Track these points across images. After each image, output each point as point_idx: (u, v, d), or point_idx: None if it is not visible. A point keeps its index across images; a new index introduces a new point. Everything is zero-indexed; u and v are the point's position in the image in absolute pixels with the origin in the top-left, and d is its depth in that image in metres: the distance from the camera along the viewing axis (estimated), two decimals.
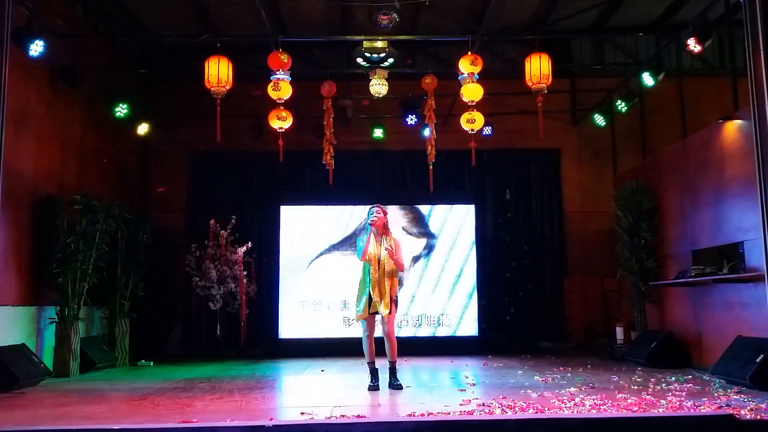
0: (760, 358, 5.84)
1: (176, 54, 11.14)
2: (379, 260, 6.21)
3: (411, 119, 10.39)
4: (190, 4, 9.73)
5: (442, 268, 10.62)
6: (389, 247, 6.20)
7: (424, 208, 10.79)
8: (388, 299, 6.15)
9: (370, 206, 6.47)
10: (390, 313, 6.16)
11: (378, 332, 6.34)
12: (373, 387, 6.22)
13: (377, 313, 6.20)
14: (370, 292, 6.18)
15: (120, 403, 5.61)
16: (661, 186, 8.90)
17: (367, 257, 6.24)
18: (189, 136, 11.20)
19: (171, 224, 11.02)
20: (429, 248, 10.68)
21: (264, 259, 10.97)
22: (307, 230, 10.64)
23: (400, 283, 9.91)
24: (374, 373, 6.31)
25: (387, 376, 6.33)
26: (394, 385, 6.22)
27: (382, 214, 6.36)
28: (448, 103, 10.33)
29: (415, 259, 10.62)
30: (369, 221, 6.33)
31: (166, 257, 10.56)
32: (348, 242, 10.50)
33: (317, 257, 10.56)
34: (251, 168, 11.49)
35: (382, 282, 6.17)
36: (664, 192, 8.82)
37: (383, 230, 6.35)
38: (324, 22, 10.33)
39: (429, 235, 10.72)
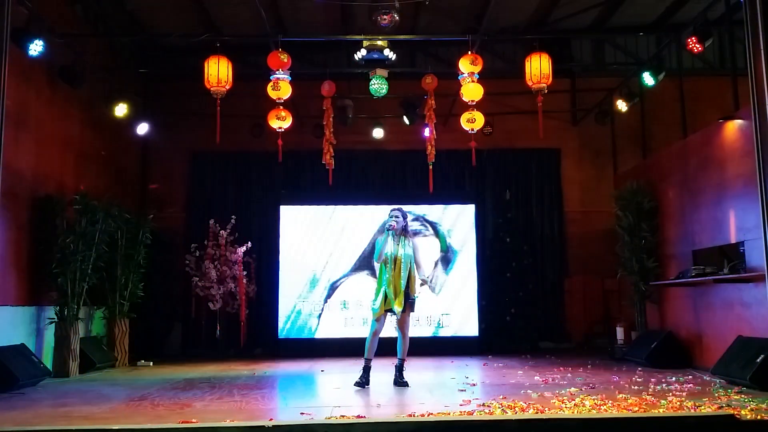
0: (760, 358, 5.84)
1: (176, 54, 11.14)
2: (395, 261, 6.40)
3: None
4: (190, 4, 9.72)
5: (442, 268, 10.62)
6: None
7: (424, 208, 10.78)
8: (402, 298, 6.33)
9: (390, 209, 6.70)
10: (404, 311, 6.35)
11: (384, 333, 6.52)
12: (360, 383, 6.31)
13: (391, 310, 6.37)
14: (386, 291, 6.36)
15: (120, 404, 5.60)
16: (661, 186, 8.89)
17: (384, 258, 6.42)
18: (189, 136, 11.19)
19: (171, 224, 11.02)
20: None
21: (264, 259, 10.96)
22: (307, 230, 10.66)
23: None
24: (367, 370, 6.42)
25: (376, 375, 6.45)
26: (400, 382, 6.36)
27: (401, 218, 6.59)
28: (448, 103, 10.32)
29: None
30: (388, 225, 6.55)
31: (165, 257, 10.55)
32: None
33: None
34: (251, 168, 11.49)
35: (397, 281, 6.36)
36: (664, 192, 8.81)
37: (402, 233, 6.55)
38: (324, 22, 10.33)
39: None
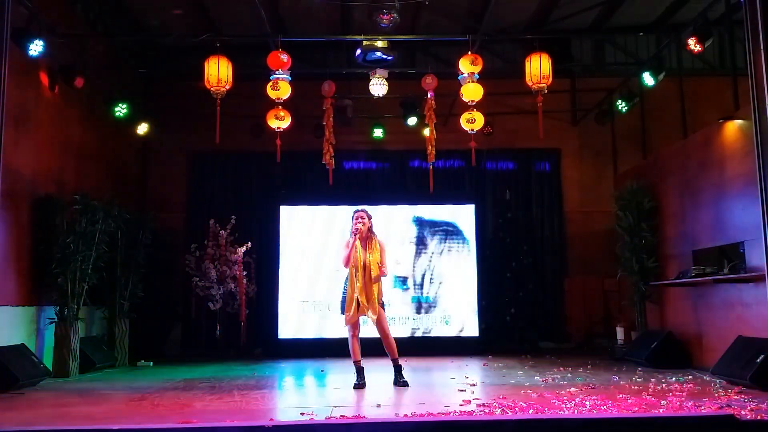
0: (760, 358, 5.83)
1: (176, 54, 11.13)
2: (364, 265, 6.31)
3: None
4: (190, 4, 9.72)
5: (441, 269, 10.61)
6: (373, 256, 6.35)
7: (424, 209, 10.78)
8: (375, 303, 6.28)
9: (353, 211, 6.51)
10: (378, 315, 6.29)
11: (366, 333, 6.53)
12: (359, 385, 6.29)
13: (365, 315, 6.33)
14: (357, 297, 6.27)
15: (120, 404, 5.60)
16: (661, 186, 8.89)
17: (352, 263, 6.33)
18: (189, 136, 11.19)
19: (171, 224, 11.02)
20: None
21: (264, 259, 10.96)
22: (307, 230, 10.65)
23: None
24: (360, 371, 6.41)
25: (376, 375, 6.47)
26: (400, 382, 6.34)
27: (366, 219, 6.44)
28: (448, 103, 10.32)
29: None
30: (354, 229, 6.41)
31: (165, 257, 10.55)
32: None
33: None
34: (251, 168, 11.48)
35: (369, 286, 6.29)
36: (664, 192, 8.81)
37: (368, 234, 6.43)
38: (324, 22, 10.33)
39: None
